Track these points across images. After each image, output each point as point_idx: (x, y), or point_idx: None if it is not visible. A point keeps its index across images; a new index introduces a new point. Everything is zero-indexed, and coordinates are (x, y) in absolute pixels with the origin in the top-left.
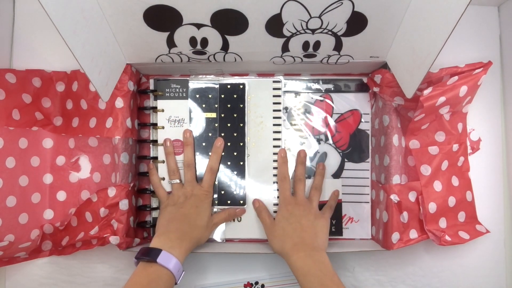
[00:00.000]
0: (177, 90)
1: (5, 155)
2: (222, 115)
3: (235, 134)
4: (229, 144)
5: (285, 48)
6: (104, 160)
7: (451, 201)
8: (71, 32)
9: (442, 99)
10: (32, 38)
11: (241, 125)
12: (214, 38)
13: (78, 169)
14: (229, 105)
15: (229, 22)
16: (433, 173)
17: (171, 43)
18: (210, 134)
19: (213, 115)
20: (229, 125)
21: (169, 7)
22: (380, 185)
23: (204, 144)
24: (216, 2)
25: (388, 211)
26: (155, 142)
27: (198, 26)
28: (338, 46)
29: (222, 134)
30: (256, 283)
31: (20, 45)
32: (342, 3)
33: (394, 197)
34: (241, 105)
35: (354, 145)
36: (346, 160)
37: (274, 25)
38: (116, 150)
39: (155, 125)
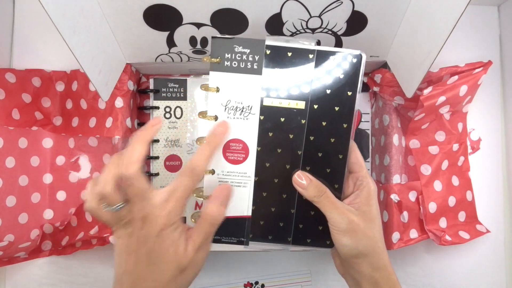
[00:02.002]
0: (244, 57)
1: (5, 155)
2: (315, 107)
3: (332, 140)
4: (320, 154)
5: None
6: (104, 160)
7: (451, 200)
8: (71, 32)
9: (442, 98)
10: (32, 38)
11: (345, 125)
12: None
13: (78, 169)
14: (328, 91)
15: (229, 22)
16: (433, 172)
17: (171, 42)
18: (291, 136)
19: (301, 105)
20: (324, 123)
21: (169, 6)
22: (380, 184)
23: (279, 150)
24: (216, 1)
25: (388, 210)
26: (155, 141)
27: (198, 25)
28: (338, 46)
29: (311, 138)
30: (256, 283)
31: (20, 45)
32: (342, 2)
33: (394, 197)
34: (349, 92)
35: None
36: None
37: (274, 25)
38: (116, 150)
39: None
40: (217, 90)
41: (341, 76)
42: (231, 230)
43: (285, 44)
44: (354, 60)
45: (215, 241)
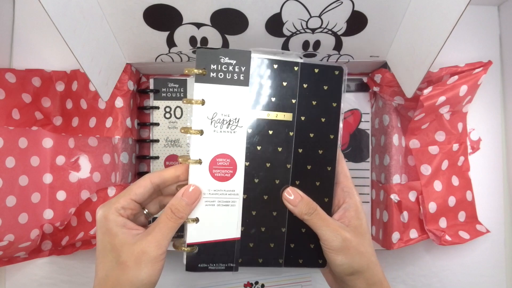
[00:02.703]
0: (230, 68)
1: (5, 155)
2: (303, 118)
3: (320, 152)
4: (309, 167)
5: (285, 47)
6: (104, 160)
7: (451, 200)
8: (71, 32)
9: (442, 98)
10: (32, 38)
11: (332, 137)
12: (214, 37)
13: (78, 168)
14: (314, 102)
15: (229, 22)
16: (433, 172)
17: (171, 42)
18: (279, 149)
19: (288, 116)
20: (312, 135)
21: (169, 7)
22: (380, 184)
23: (268, 164)
24: (216, 1)
25: (388, 211)
26: (155, 141)
27: (198, 25)
28: (338, 46)
29: (300, 150)
30: (256, 283)
31: (20, 45)
32: (342, 2)
33: (394, 197)
34: (334, 104)
35: (354, 144)
36: (346, 159)
37: (274, 25)
38: (116, 150)
39: (155, 124)
40: (203, 102)
41: (325, 88)
42: (218, 255)
43: (270, 57)
44: (336, 73)
45: (201, 269)
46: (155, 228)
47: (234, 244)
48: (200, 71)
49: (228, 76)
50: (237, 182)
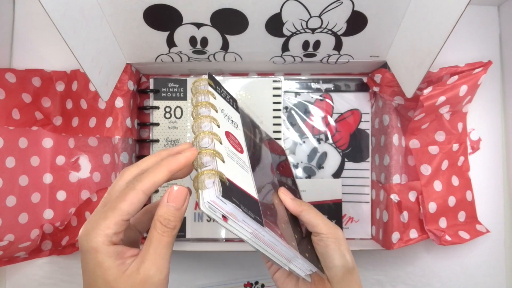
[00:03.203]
0: (228, 97)
1: (5, 155)
2: (271, 154)
3: (289, 180)
4: (287, 186)
5: (285, 47)
6: (104, 160)
7: (451, 200)
8: (71, 32)
9: (442, 98)
10: (32, 38)
11: (291, 178)
12: (214, 37)
13: (78, 168)
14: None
15: (229, 22)
16: (433, 172)
17: (171, 42)
18: (266, 161)
19: (264, 148)
20: (281, 168)
21: (169, 7)
22: (380, 184)
23: (261, 165)
24: (216, 1)
25: (388, 210)
26: (155, 141)
27: (198, 25)
28: (338, 46)
29: (277, 172)
30: (256, 282)
31: (20, 45)
32: (342, 2)
33: (394, 197)
34: (283, 158)
35: (354, 144)
36: (346, 159)
37: (274, 25)
38: (116, 150)
39: (156, 125)
40: (215, 97)
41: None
42: (247, 204)
43: (247, 112)
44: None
45: (235, 203)
46: (149, 250)
47: (257, 203)
48: (211, 82)
49: (227, 99)
50: (246, 159)
